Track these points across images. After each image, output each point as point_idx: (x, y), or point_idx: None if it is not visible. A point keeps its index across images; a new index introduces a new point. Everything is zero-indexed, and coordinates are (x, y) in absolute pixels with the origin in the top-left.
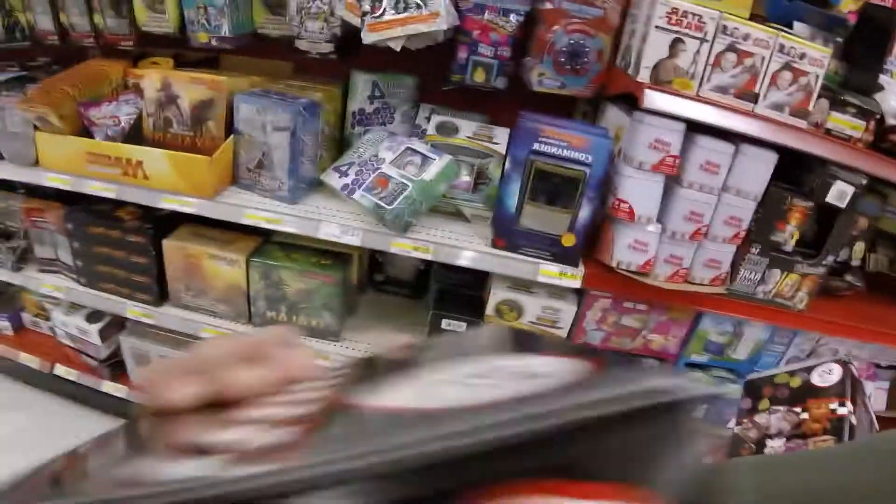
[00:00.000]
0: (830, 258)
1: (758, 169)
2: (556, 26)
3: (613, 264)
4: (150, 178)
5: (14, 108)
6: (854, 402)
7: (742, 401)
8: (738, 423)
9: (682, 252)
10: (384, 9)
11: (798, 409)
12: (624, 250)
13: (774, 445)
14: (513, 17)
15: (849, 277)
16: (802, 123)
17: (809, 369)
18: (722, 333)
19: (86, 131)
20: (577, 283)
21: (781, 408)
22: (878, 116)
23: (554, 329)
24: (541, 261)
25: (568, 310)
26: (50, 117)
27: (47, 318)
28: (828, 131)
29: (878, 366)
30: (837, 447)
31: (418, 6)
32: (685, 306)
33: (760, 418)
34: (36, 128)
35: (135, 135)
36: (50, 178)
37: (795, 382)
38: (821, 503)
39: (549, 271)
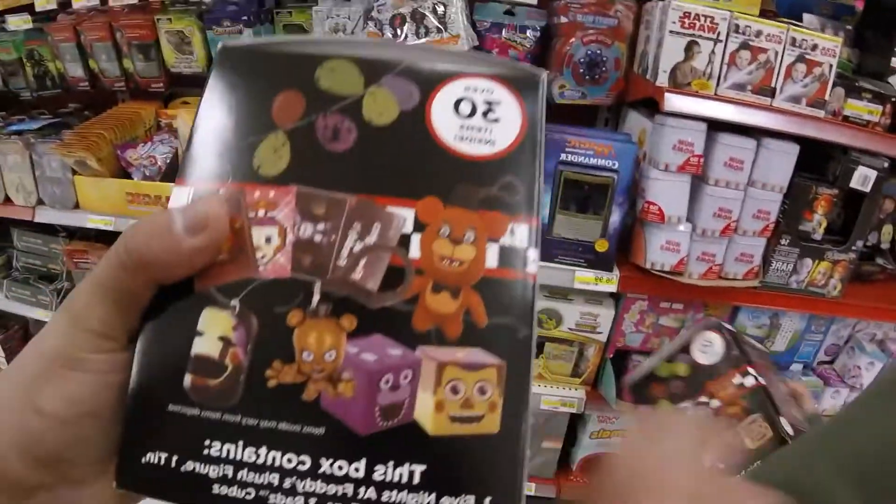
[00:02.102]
0: (859, 243)
1: (781, 161)
2: (572, 39)
3: (647, 266)
4: None
5: (52, 153)
6: (752, 364)
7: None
8: None
9: (714, 249)
10: (406, 35)
11: (705, 399)
12: (657, 251)
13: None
14: (530, 34)
15: (880, 261)
16: (820, 113)
17: (686, 349)
18: (759, 326)
19: (123, 172)
20: (612, 288)
21: (686, 404)
22: (894, 99)
23: (593, 334)
24: (576, 268)
25: (606, 314)
26: (88, 161)
27: None
28: (846, 118)
29: None
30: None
31: (439, 30)
32: (720, 302)
33: None
34: (74, 172)
35: (172, 173)
36: (92, 220)
37: (682, 370)
38: None
39: (585, 277)
